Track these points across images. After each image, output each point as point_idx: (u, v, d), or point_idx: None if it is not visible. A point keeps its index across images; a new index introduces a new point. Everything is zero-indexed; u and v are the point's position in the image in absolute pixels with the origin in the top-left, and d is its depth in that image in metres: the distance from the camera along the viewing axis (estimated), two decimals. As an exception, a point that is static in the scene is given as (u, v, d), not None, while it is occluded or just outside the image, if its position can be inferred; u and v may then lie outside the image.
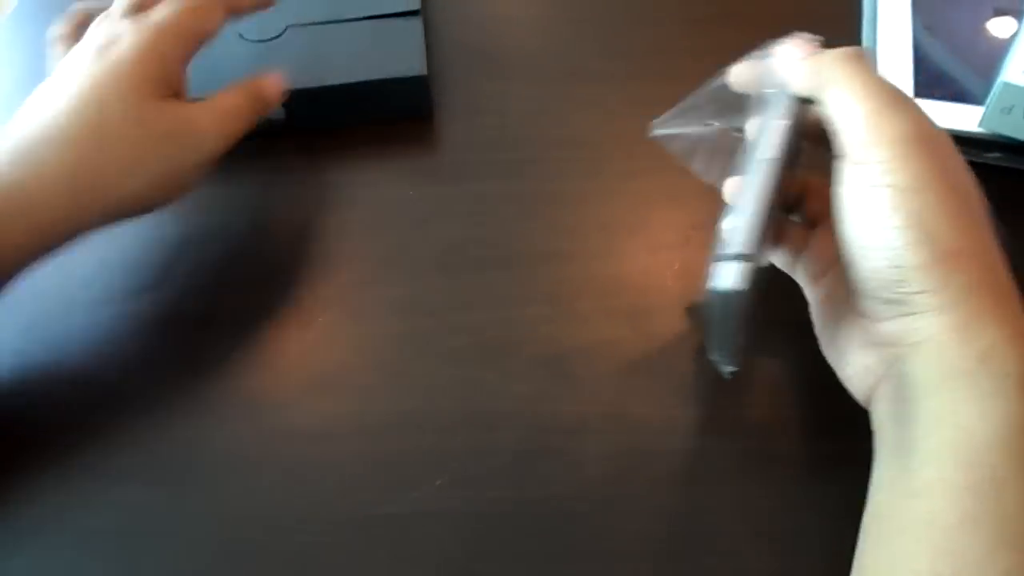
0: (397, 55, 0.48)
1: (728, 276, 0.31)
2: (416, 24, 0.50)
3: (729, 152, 0.34)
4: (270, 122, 0.48)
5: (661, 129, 0.36)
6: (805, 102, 0.32)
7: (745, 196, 0.32)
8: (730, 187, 0.35)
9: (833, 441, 0.35)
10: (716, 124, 0.36)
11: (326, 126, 0.49)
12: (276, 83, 0.41)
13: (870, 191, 0.28)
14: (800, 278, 0.37)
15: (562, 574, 0.32)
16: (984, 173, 0.44)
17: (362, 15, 0.51)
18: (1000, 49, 0.45)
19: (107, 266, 0.43)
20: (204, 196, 0.47)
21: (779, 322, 0.36)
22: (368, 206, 0.44)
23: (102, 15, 0.40)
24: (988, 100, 0.42)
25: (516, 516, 0.33)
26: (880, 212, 0.28)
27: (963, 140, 0.44)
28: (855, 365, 0.31)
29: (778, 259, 0.37)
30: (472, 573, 0.32)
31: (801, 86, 0.32)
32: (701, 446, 0.35)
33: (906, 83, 0.47)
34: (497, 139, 0.47)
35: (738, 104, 0.35)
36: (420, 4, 0.51)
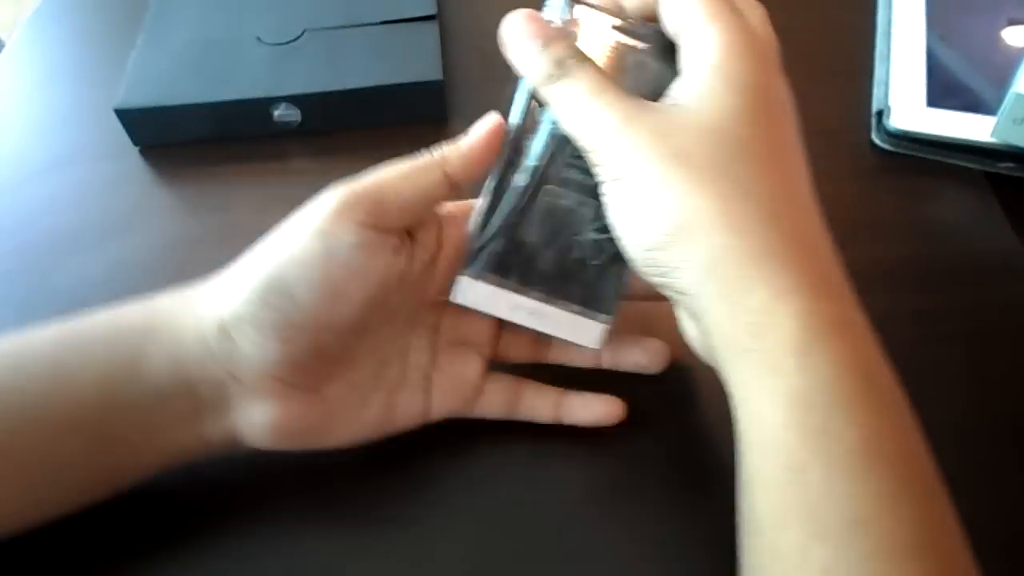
0: (413, 59, 0.49)
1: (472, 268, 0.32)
2: (432, 29, 0.50)
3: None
4: (285, 124, 0.48)
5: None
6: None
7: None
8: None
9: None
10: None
11: (340, 128, 0.49)
12: None
13: (604, 193, 0.29)
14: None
15: (573, 576, 0.32)
16: (996, 183, 0.45)
17: (378, 19, 0.51)
18: (1013, 60, 0.45)
19: (123, 266, 0.43)
20: (220, 197, 0.47)
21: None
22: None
23: None
24: (1000, 110, 0.42)
25: (525, 518, 0.33)
26: (610, 208, 0.29)
27: (976, 150, 0.44)
28: (690, 331, 0.31)
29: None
30: (481, 575, 0.32)
31: (532, 82, 0.30)
32: (712, 450, 0.35)
33: (919, 92, 0.47)
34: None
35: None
36: (436, 9, 0.52)
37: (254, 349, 0.29)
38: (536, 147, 0.31)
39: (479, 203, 0.32)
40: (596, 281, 0.32)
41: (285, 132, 0.49)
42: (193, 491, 0.34)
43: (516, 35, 0.30)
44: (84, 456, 0.29)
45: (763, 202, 0.26)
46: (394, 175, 0.30)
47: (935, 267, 0.41)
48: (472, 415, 0.35)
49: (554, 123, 0.31)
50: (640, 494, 0.34)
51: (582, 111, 0.28)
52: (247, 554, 0.33)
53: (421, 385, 0.34)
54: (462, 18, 0.56)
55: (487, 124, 0.31)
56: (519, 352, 0.36)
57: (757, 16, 0.30)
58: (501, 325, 0.35)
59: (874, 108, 0.48)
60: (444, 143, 0.31)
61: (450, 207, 0.33)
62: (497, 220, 0.32)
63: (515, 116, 0.31)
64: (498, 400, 0.34)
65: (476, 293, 0.32)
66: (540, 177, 0.31)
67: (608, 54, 0.31)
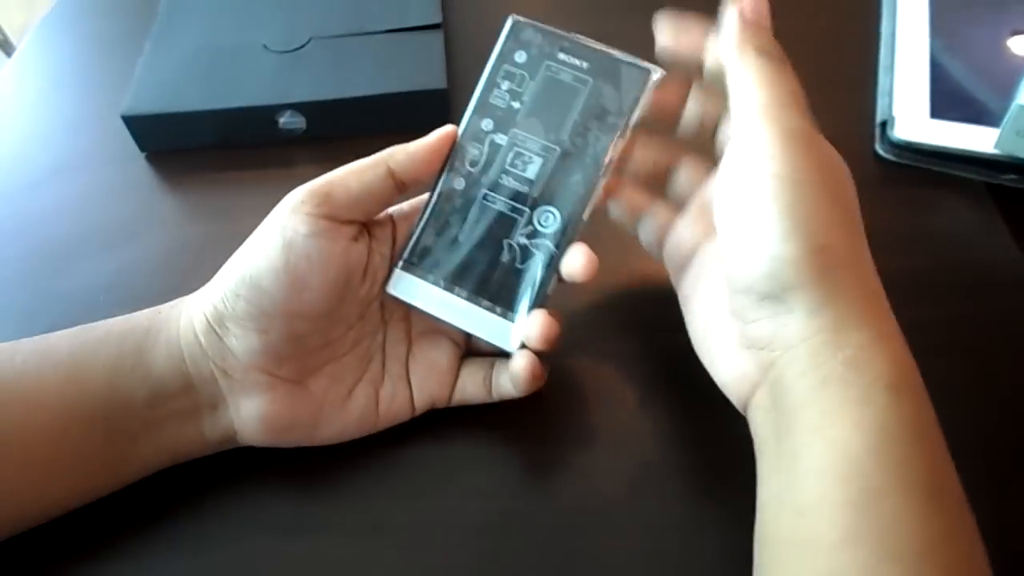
0: (418, 68, 0.49)
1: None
2: (437, 37, 0.51)
3: None
4: (290, 131, 0.49)
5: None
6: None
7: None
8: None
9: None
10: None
11: (345, 136, 0.49)
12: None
13: (752, 177, 0.28)
14: (668, 264, 0.36)
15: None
16: (998, 195, 0.45)
17: (384, 28, 0.51)
18: (1017, 71, 0.45)
19: (128, 271, 0.43)
20: (225, 203, 0.48)
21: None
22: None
23: None
24: (1003, 122, 0.42)
25: (524, 526, 0.33)
26: (759, 199, 0.28)
27: (979, 162, 0.44)
28: (730, 370, 0.31)
29: (644, 238, 0.37)
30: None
31: (726, 44, 0.31)
32: (712, 460, 0.35)
33: (922, 103, 0.47)
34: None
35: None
36: (441, 18, 0.52)
37: (236, 342, 0.32)
38: (476, 153, 0.34)
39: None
40: (519, 286, 0.34)
41: (290, 139, 0.49)
42: (185, 500, 0.34)
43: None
44: (90, 448, 0.31)
45: (866, 252, 0.29)
46: (343, 171, 0.33)
47: (936, 278, 0.41)
48: (453, 402, 0.36)
49: (493, 132, 0.34)
50: (635, 505, 0.34)
51: (783, 90, 0.29)
52: (240, 561, 0.33)
53: (402, 375, 0.35)
54: (467, 27, 0.56)
55: (439, 131, 0.34)
56: None
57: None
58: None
59: (878, 119, 0.48)
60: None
61: (404, 205, 0.35)
62: (433, 218, 0.34)
63: (463, 126, 0.34)
64: (474, 383, 0.35)
65: (407, 285, 0.34)
66: (477, 181, 0.34)
67: (551, 72, 0.34)
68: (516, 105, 0.34)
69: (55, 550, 0.32)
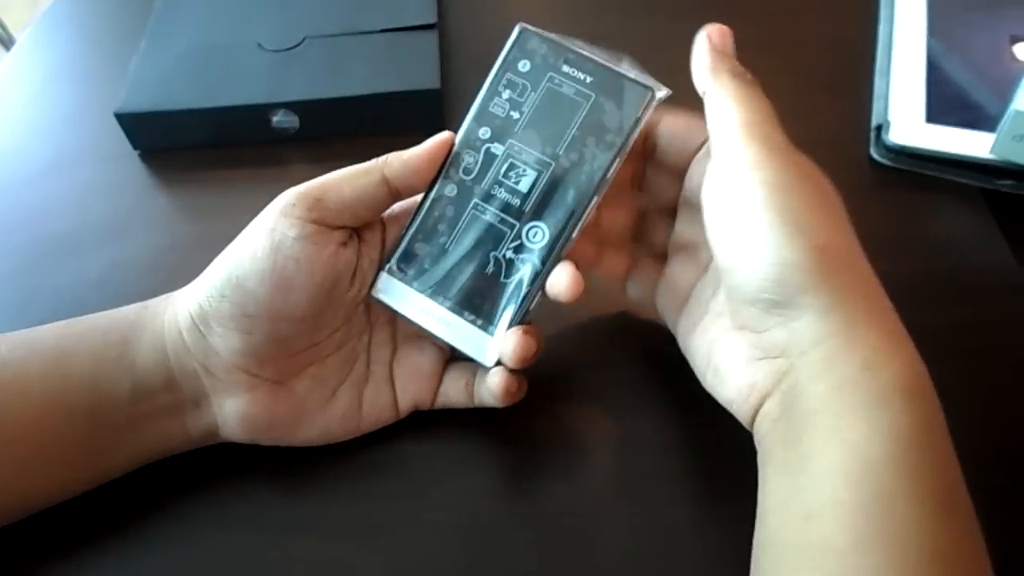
0: (412, 68, 0.49)
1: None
2: (432, 37, 0.51)
3: None
4: (284, 130, 0.49)
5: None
6: None
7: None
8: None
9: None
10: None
11: (338, 135, 0.49)
12: None
13: (742, 188, 0.28)
14: (663, 311, 0.36)
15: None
16: (994, 200, 0.44)
17: (379, 28, 0.51)
18: (1014, 76, 0.45)
19: (121, 268, 0.43)
20: (218, 201, 0.47)
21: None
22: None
23: None
24: (999, 127, 0.42)
25: (510, 529, 0.33)
26: (753, 208, 0.28)
27: (975, 167, 0.44)
28: (739, 385, 0.30)
29: (634, 295, 0.37)
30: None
31: (700, 70, 0.32)
32: (700, 465, 0.35)
33: (918, 107, 0.47)
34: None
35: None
36: (436, 18, 0.52)
37: (219, 341, 0.32)
38: (471, 161, 0.33)
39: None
40: (502, 300, 0.33)
41: (284, 138, 0.49)
42: (171, 501, 0.34)
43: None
44: (74, 439, 0.32)
45: (862, 252, 0.29)
46: (337, 176, 0.33)
47: (930, 283, 0.41)
48: (436, 406, 0.36)
49: (490, 141, 0.33)
50: (621, 509, 0.34)
51: (761, 110, 0.30)
52: (226, 561, 0.33)
53: (386, 378, 0.35)
54: (462, 28, 0.56)
55: (436, 138, 0.34)
56: None
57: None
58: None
59: (873, 123, 0.47)
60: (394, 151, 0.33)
61: (395, 207, 0.35)
62: (423, 224, 0.34)
63: (461, 132, 0.34)
64: (456, 389, 0.35)
65: (392, 290, 0.34)
66: (469, 190, 0.33)
67: (554, 84, 0.33)
68: (515, 115, 0.33)
69: (36, 548, 0.32)
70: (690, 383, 0.33)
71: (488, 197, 0.33)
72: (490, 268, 0.33)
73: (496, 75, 0.34)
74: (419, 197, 0.34)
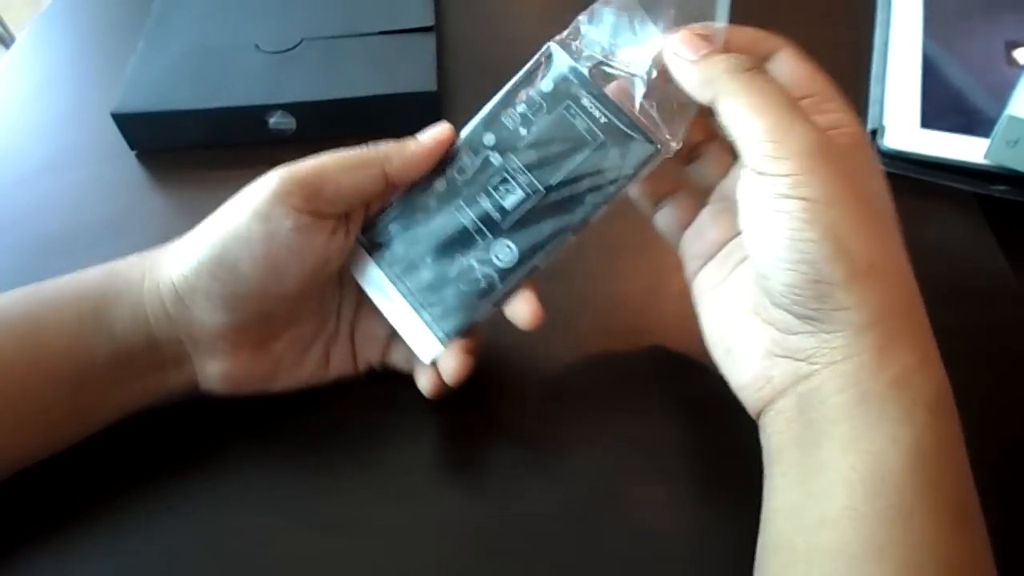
0: (409, 70, 0.49)
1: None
2: (429, 40, 0.51)
3: None
4: (280, 131, 0.49)
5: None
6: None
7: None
8: None
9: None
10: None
11: (335, 137, 0.49)
12: None
13: (780, 203, 0.27)
14: (684, 255, 0.35)
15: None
16: (990, 205, 0.44)
17: (376, 30, 0.51)
18: (1008, 82, 0.45)
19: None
20: (213, 202, 0.47)
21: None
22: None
23: None
24: (994, 133, 0.42)
25: (502, 530, 0.33)
26: (793, 225, 0.26)
27: (969, 172, 0.44)
28: (753, 374, 0.30)
29: (662, 224, 0.36)
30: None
31: (692, 92, 0.30)
32: (693, 467, 0.35)
33: (913, 113, 0.47)
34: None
35: None
36: (434, 20, 0.52)
37: (205, 315, 0.32)
38: (468, 163, 0.33)
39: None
40: (456, 305, 0.34)
41: (280, 140, 0.49)
42: (167, 504, 0.34)
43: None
44: (57, 403, 0.32)
45: (907, 262, 0.28)
46: (334, 166, 0.32)
47: (923, 288, 0.40)
48: (382, 367, 0.37)
49: (491, 150, 0.33)
50: (614, 511, 0.34)
51: (780, 107, 0.28)
52: (227, 560, 0.33)
53: (348, 336, 0.37)
54: (460, 30, 0.56)
55: (436, 133, 0.34)
56: None
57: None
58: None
59: (868, 127, 0.47)
60: (391, 141, 0.34)
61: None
62: (405, 209, 0.34)
63: (466, 131, 0.34)
64: (399, 357, 0.37)
65: (362, 265, 0.35)
66: (457, 190, 0.34)
67: (569, 114, 0.32)
68: (523, 132, 0.33)
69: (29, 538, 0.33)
70: (686, 385, 0.33)
71: (472, 203, 0.33)
72: (453, 271, 0.34)
73: (515, 85, 0.33)
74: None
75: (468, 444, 0.36)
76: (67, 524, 0.33)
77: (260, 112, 0.48)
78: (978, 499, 0.26)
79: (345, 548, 0.33)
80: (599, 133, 0.32)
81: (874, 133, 0.47)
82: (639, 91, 0.32)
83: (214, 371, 0.34)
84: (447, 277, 0.34)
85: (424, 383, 0.35)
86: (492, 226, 0.33)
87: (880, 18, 0.54)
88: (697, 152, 0.35)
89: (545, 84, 0.33)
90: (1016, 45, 0.50)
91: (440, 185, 0.34)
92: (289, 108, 0.48)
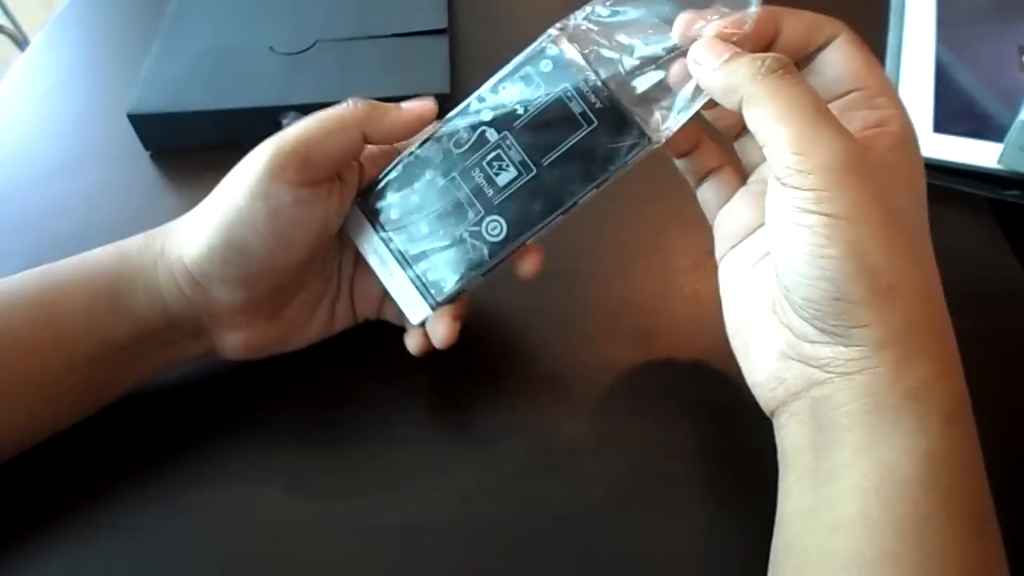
0: (422, 72, 0.49)
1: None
2: (442, 42, 0.51)
3: None
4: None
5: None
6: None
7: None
8: None
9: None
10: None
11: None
12: None
13: (802, 216, 0.26)
14: (717, 233, 0.35)
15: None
16: (1002, 210, 0.44)
17: (390, 32, 0.52)
18: (1022, 87, 0.45)
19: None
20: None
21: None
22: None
23: None
24: (1007, 137, 0.42)
25: (513, 532, 0.33)
26: (815, 240, 0.26)
27: (981, 177, 0.44)
28: (768, 373, 0.30)
29: (703, 198, 0.35)
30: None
31: (718, 99, 0.29)
32: (702, 470, 0.35)
33: (926, 117, 0.47)
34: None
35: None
36: (447, 22, 0.52)
37: (224, 296, 0.34)
38: (465, 137, 0.34)
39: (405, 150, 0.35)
40: (446, 273, 0.35)
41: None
42: (171, 500, 0.34)
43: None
44: (74, 378, 0.34)
45: (936, 276, 0.28)
46: (318, 132, 0.33)
47: (936, 293, 0.40)
48: (381, 318, 0.39)
49: (488, 125, 0.34)
50: (623, 512, 0.34)
51: (807, 115, 0.26)
52: (227, 559, 0.33)
53: (348, 292, 0.39)
54: (472, 32, 0.56)
55: (419, 107, 0.35)
56: None
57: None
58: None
59: (881, 132, 0.47)
60: (371, 100, 0.34)
61: (373, 149, 0.36)
62: (401, 175, 0.35)
63: (466, 103, 0.34)
64: (391, 314, 0.38)
65: (358, 225, 0.36)
66: (454, 163, 0.34)
67: (566, 97, 0.33)
68: (520, 111, 0.33)
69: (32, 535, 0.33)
70: (697, 387, 0.33)
71: (467, 176, 0.34)
72: (445, 240, 0.34)
73: (519, 64, 0.34)
74: (404, 144, 0.36)
75: (477, 446, 0.36)
76: (67, 523, 0.33)
77: (274, 113, 0.48)
78: (994, 508, 0.26)
79: (353, 550, 0.33)
80: (593, 119, 0.33)
81: (886, 137, 0.46)
82: (638, 80, 0.32)
83: (233, 342, 0.36)
84: (439, 245, 0.35)
85: (412, 343, 0.36)
86: (484, 200, 0.34)
87: (893, 22, 0.54)
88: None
89: (545, 66, 0.33)
90: (1030, 50, 0.50)
91: (437, 156, 0.35)
92: (303, 109, 0.48)
